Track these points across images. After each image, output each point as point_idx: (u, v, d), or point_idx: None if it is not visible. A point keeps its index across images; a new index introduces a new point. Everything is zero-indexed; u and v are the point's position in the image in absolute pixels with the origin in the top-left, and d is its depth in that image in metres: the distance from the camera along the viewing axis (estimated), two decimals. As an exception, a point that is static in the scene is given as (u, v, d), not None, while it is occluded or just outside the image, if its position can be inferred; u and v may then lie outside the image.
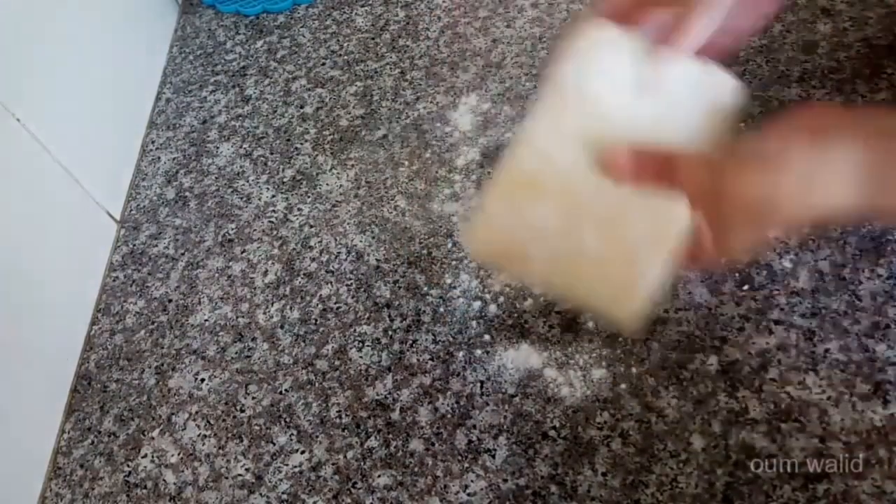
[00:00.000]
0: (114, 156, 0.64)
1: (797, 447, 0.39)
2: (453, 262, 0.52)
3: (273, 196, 0.60)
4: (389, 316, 0.50)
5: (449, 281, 0.51)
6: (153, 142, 0.68)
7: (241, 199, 0.61)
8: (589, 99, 0.40)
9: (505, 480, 0.42)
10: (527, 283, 0.48)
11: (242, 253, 0.57)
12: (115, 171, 0.64)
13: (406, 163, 0.59)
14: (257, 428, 0.47)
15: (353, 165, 0.60)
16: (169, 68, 0.75)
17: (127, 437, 0.49)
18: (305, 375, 0.49)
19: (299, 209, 0.58)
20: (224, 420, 0.48)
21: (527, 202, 0.43)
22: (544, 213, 0.43)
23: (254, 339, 0.51)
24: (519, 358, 0.46)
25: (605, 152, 0.37)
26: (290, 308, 0.52)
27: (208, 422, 0.48)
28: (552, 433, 0.43)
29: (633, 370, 0.44)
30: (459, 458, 0.43)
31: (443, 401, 0.45)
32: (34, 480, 0.48)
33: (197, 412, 0.49)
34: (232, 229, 0.59)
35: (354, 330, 0.50)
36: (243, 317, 0.53)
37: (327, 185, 0.59)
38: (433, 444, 0.44)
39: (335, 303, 0.52)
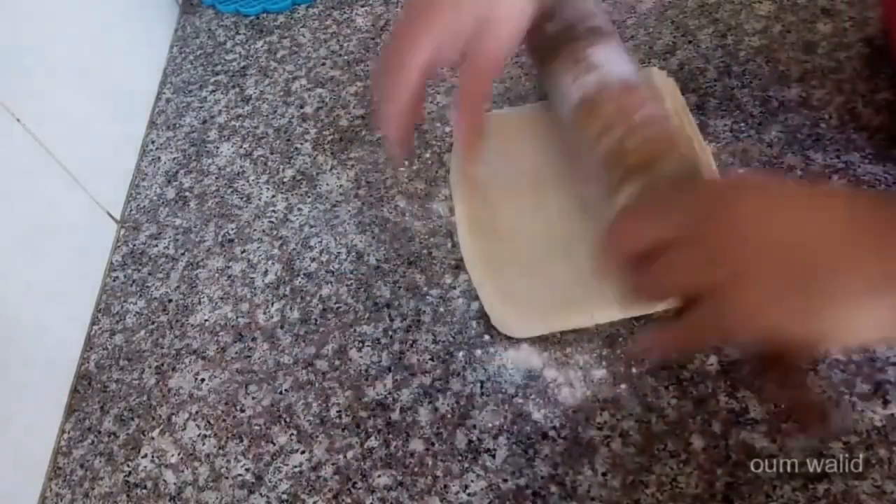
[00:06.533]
0: (114, 156, 0.64)
1: (797, 447, 0.39)
2: (453, 262, 0.52)
3: (273, 196, 0.60)
4: (389, 316, 0.50)
5: (449, 281, 0.51)
6: (153, 142, 0.68)
7: (241, 199, 0.61)
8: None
9: (505, 480, 0.42)
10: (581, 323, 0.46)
11: (242, 253, 0.57)
12: (115, 171, 0.64)
13: (406, 163, 0.59)
14: (257, 428, 0.47)
15: (353, 165, 0.60)
16: (169, 68, 0.75)
17: (127, 437, 0.49)
18: (305, 375, 0.49)
19: (299, 209, 0.58)
20: (224, 420, 0.48)
21: (520, 271, 0.47)
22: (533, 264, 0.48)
23: (254, 339, 0.51)
24: (519, 358, 0.46)
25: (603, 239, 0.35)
26: (290, 308, 0.52)
27: (208, 422, 0.48)
28: (552, 433, 0.43)
29: (633, 370, 0.44)
30: (459, 458, 0.43)
31: (443, 401, 0.45)
32: (34, 480, 0.48)
33: (197, 412, 0.49)
34: (232, 229, 0.59)
35: (354, 330, 0.50)
36: (243, 317, 0.53)
37: (327, 185, 0.59)
38: (433, 444, 0.44)
39: (335, 303, 0.52)
